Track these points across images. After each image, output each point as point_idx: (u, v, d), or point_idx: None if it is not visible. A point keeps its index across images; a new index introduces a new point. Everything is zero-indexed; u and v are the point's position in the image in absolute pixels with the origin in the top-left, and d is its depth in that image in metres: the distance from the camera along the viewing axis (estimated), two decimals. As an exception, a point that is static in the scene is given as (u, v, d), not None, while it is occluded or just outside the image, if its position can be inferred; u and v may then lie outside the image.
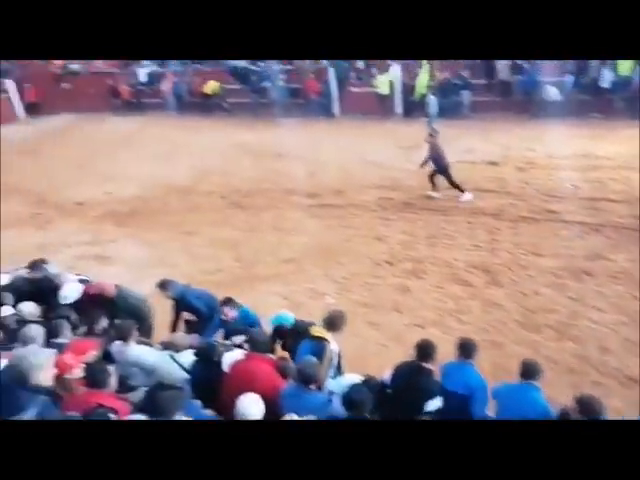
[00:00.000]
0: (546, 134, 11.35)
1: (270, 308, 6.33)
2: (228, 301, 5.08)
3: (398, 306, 6.64)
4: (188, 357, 4.06)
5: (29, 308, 4.67)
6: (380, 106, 14.55)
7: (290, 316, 4.84)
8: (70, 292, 4.95)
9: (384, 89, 14.35)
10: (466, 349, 3.87)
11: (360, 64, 14.93)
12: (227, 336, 4.81)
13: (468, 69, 13.74)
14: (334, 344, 4.15)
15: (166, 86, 16.96)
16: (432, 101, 12.58)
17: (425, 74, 13.65)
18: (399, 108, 14.61)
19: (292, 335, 4.67)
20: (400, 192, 9.86)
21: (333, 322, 4.22)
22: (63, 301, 4.79)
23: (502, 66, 13.33)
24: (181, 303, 5.34)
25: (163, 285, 5.34)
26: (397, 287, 7.05)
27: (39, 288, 5.22)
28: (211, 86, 16.30)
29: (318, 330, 4.20)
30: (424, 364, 3.77)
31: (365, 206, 9.47)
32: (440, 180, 9.37)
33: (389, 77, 14.29)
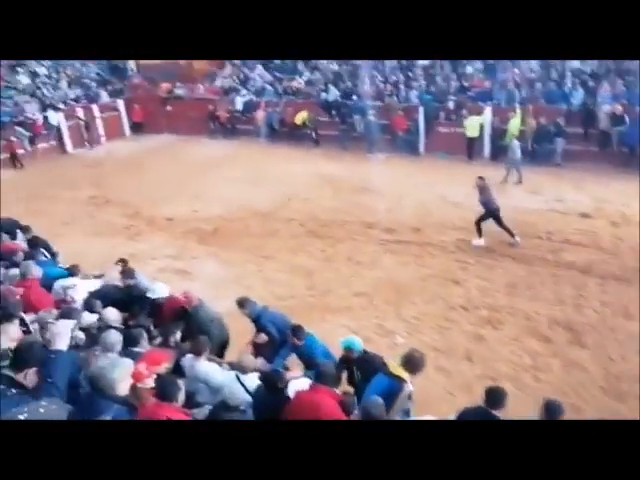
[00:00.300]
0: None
1: (337, 339, 6.34)
2: (297, 329, 5.10)
3: (470, 355, 6.38)
4: (253, 380, 4.10)
5: (112, 314, 4.88)
6: (467, 147, 14.34)
7: (360, 343, 4.74)
8: (159, 289, 5.14)
9: (473, 132, 14.16)
10: (551, 411, 3.50)
11: (451, 104, 14.86)
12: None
13: (564, 116, 13.24)
14: (410, 386, 4.02)
15: (260, 115, 17.77)
16: (515, 146, 12.21)
17: (517, 119, 13.33)
18: (487, 151, 14.33)
19: (360, 364, 4.60)
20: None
21: (414, 363, 4.07)
22: (151, 295, 4.95)
23: (603, 115, 12.69)
24: (256, 324, 5.45)
25: (242, 303, 5.47)
26: (471, 334, 6.79)
27: (126, 295, 5.54)
28: (302, 117, 16.87)
29: (396, 367, 4.07)
30: (492, 411, 3.55)
31: (443, 246, 9.29)
32: (486, 227, 9.13)
33: (480, 120, 14.10)
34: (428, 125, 15.09)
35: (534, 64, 14.66)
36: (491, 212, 9.07)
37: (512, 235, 9.05)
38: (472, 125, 14.14)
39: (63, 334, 2.79)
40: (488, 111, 14.02)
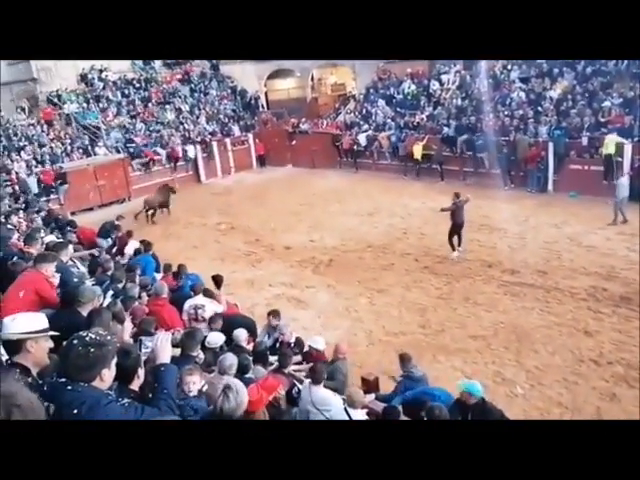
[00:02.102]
0: None
1: (449, 383, 6.01)
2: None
3: (601, 414, 5.68)
4: (361, 416, 4.06)
5: (215, 339, 5.07)
6: (604, 166, 13.15)
7: (480, 389, 4.39)
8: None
9: (610, 149, 13.00)
10: None
11: (584, 141, 13.81)
12: None
13: None
14: None
15: (384, 140, 18.26)
16: (622, 184, 11.05)
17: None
18: (626, 192, 12.99)
19: (477, 412, 4.28)
20: (617, 283, 8.62)
21: None
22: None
23: None
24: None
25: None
26: (603, 392, 6.06)
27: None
28: (418, 150, 16.79)
29: None
30: None
31: (573, 293, 8.49)
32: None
33: (618, 139, 12.98)
34: (558, 162, 14.16)
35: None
36: (459, 227, 10.34)
37: (455, 248, 10.42)
38: (610, 142, 13.03)
39: (165, 348, 2.91)
40: (629, 148, 12.83)
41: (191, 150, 20.07)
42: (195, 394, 3.57)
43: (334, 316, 8.55)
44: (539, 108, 15.48)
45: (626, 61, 15.32)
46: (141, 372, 2.96)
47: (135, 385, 2.87)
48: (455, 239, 10.48)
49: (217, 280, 6.82)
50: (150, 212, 15.14)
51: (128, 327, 4.47)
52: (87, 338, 2.32)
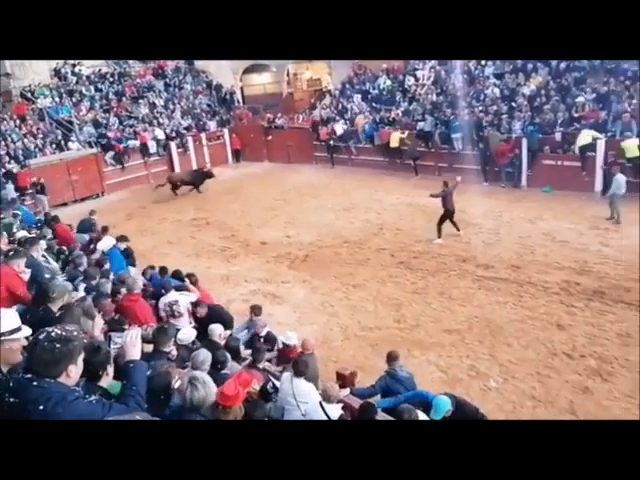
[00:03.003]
0: None
1: (424, 377, 6.03)
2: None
3: (574, 408, 5.76)
4: (336, 410, 4.03)
5: (187, 335, 4.99)
6: (575, 182, 13.39)
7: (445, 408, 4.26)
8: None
9: (585, 140, 13.21)
10: None
11: (557, 136, 14.03)
12: None
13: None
14: None
15: (360, 120, 18.51)
16: (619, 179, 11.14)
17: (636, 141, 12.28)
18: (598, 186, 13.26)
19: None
20: (590, 278, 8.76)
21: None
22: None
23: None
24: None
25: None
26: (575, 385, 6.14)
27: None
28: (397, 137, 16.83)
29: None
30: None
31: (546, 287, 8.59)
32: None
33: (593, 133, 13.16)
34: (532, 157, 14.36)
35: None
36: (450, 213, 10.72)
37: (458, 229, 10.93)
38: (586, 135, 13.19)
39: (135, 344, 2.85)
40: (602, 143, 13.08)
41: (160, 134, 19.88)
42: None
43: (310, 311, 8.50)
44: (513, 104, 15.67)
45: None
46: (110, 369, 2.90)
47: (104, 382, 2.82)
48: (445, 228, 10.84)
49: (191, 279, 6.88)
50: (171, 187, 16.90)
51: (99, 323, 4.36)
52: (53, 334, 2.29)
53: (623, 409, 5.66)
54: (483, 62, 17.91)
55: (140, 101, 21.56)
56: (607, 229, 10.76)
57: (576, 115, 14.13)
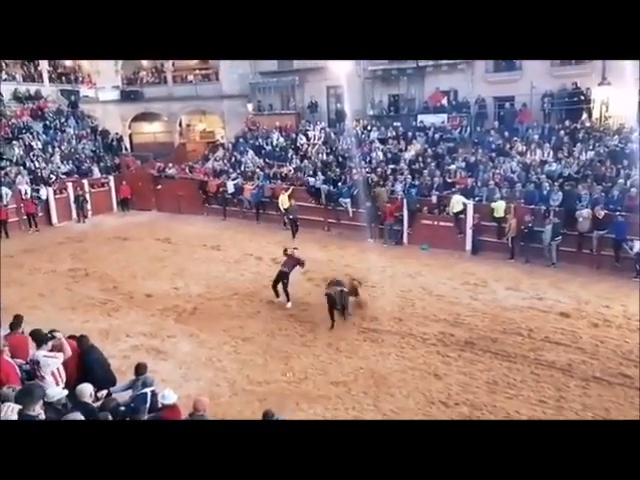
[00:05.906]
0: (626, 293, 10.88)
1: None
2: None
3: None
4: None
5: (54, 393, 4.75)
6: (449, 241, 14.68)
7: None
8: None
9: (457, 207, 14.71)
10: None
11: (434, 199, 15.37)
12: None
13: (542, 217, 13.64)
14: None
15: (247, 189, 18.57)
16: (546, 230, 13.03)
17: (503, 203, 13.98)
18: (468, 245, 14.64)
19: None
20: (462, 329, 9.50)
21: None
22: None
23: (583, 219, 12.92)
24: None
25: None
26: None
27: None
28: (285, 201, 17.22)
29: None
30: None
31: (424, 338, 9.15)
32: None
33: (463, 199, 14.66)
34: (412, 217, 15.52)
35: (514, 165, 15.37)
36: (286, 275, 10.69)
37: (288, 299, 10.69)
38: (457, 202, 14.64)
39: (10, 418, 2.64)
40: (470, 207, 14.57)
41: (42, 190, 18.49)
42: None
43: (196, 366, 8.21)
44: (395, 167, 17.00)
45: (469, 129, 17.68)
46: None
47: None
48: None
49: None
50: None
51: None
52: None
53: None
54: (369, 127, 19.40)
55: (14, 142, 20.11)
56: (476, 284, 11.81)
57: (449, 180, 15.67)
